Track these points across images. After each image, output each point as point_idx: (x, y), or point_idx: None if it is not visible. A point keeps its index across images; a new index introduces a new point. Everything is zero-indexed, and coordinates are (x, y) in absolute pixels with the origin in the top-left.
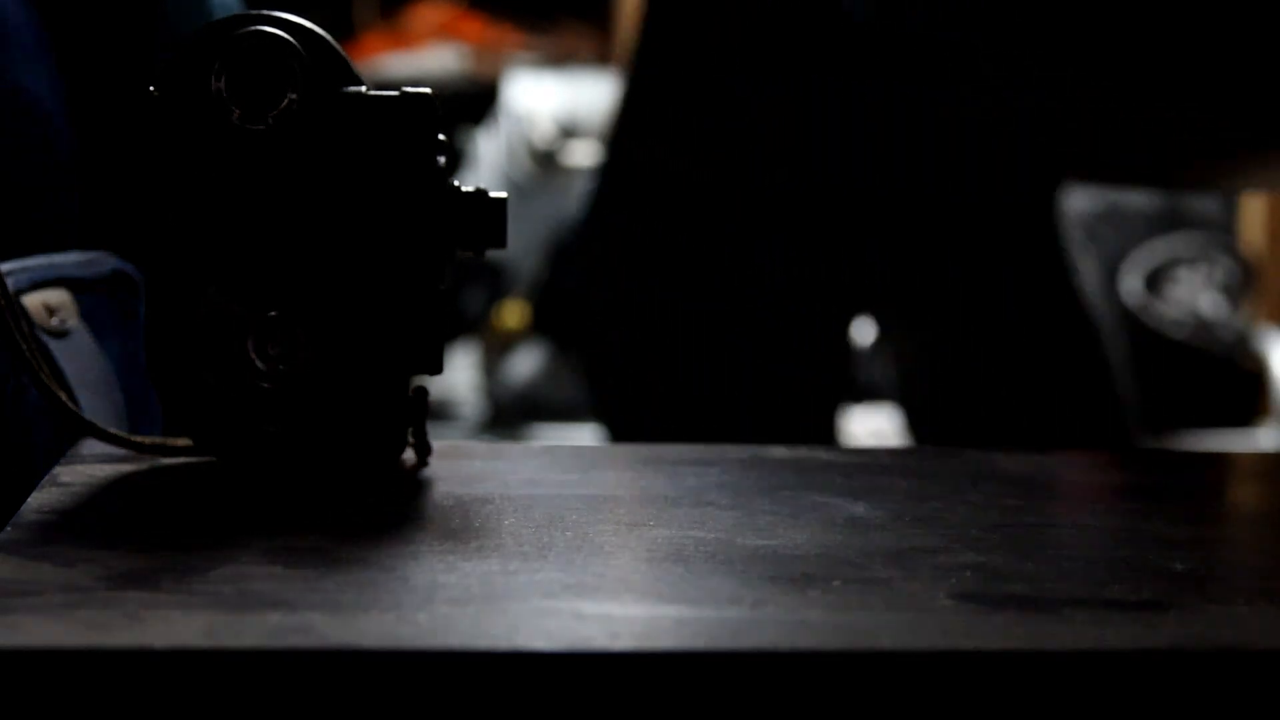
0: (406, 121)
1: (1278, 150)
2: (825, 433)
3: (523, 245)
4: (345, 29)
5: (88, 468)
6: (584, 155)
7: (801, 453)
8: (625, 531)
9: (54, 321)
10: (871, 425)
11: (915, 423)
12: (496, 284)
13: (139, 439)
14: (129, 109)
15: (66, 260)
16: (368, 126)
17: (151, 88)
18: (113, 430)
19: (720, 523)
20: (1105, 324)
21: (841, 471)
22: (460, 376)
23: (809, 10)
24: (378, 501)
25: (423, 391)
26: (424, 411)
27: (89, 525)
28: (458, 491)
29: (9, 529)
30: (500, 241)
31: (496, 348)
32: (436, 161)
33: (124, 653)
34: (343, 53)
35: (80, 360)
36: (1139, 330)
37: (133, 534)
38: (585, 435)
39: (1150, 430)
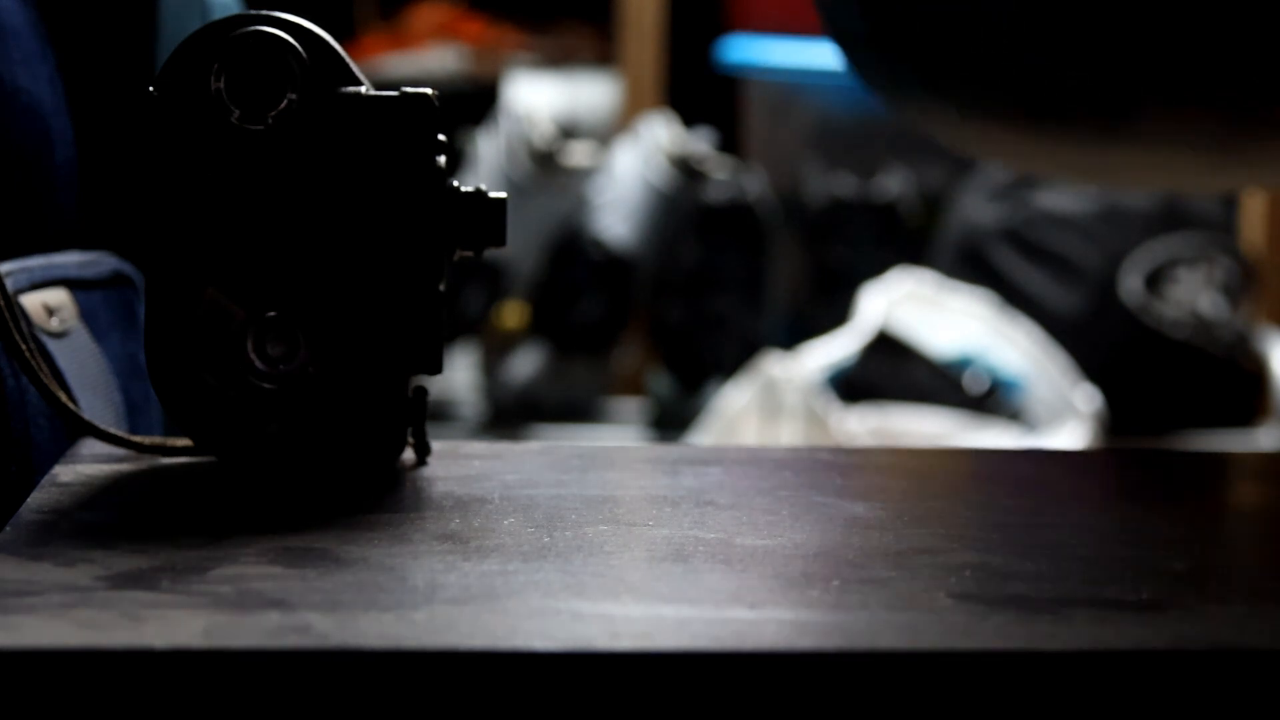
0: (406, 121)
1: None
2: None
3: (523, 245)
4: (345, 29)
5: (87, 468)
6: (584, 155)
7: (801, 453)
8: (625, 531)
9: (53, 322)
10: (871, 425)
11: None
12: (496, 284)
13: (139, 439)
14: (129, 109)
15: (66, 260)
16: (367, 126)
17: (151, 88)
18: (112, 430)
19: (720, 523)
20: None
21: (841, 471)
22: (460, 376)
23: None
24: (378, 501)
25: (422, 391)
26: (424, 411)
27: (88, 525)
28: (458, 491)
29: (8, 529)
30: (499, 241)
31: (496, 348)
32: (436, 161)
33: (123, 653)
34: (343, 53)
35: (80, 360)
36: (1139, 330)
37: (132, 534)
38: (585, 435)
39: (1150, 430)
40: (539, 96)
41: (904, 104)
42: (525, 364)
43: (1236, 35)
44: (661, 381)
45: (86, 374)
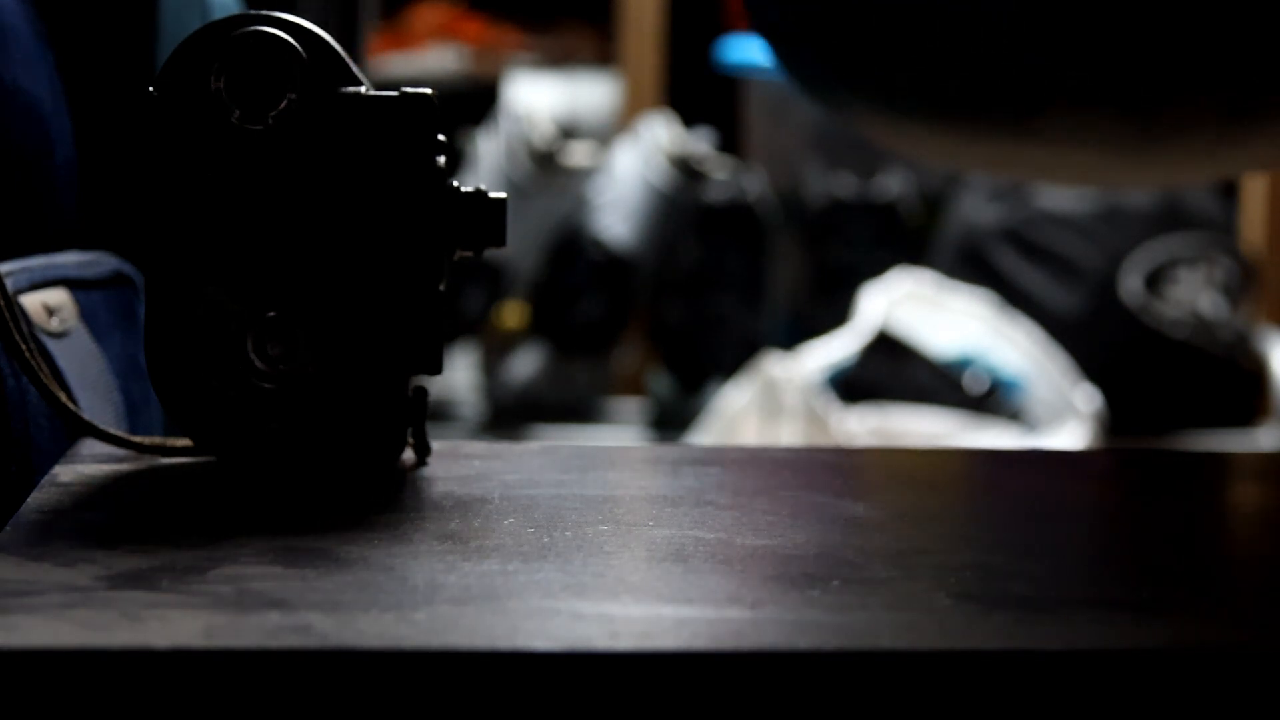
0: (406, 121)
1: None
2: None
3: (523, 245)
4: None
5: (87, 468)
6: (584, 155)
7: (801, 453)
8: (625, 531)
9: (53, 322)
10: (871, 425)
11: None
12: (496, 284)
13: (139, 439)
14: (129, 109)
15: (66, 260)
16: (367, 126)
17: (151, 88)
18: (112, 430)
19: (720, 523)
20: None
21: (841, 471)
22: (460, 376)
23: None
24: (378, 501)
25: (422, 391)
26: (424, 411)
27: (88, 525)
28: (458, 491)
29: (8, 529)
30: (499, 241)
31: (496, 348)
32: (436, 161)
33: (123, 653)
34: (342, 53)
35: (80, 360)
36: (1139, 330)
37: (132, 534)
38: (585, 435)
39: (1150, 430)
40: (539, 96)
41: (825, 99)
42: (525, 364)
43: (1138, 39)
44: (661, 381)
45: (86, 374)
